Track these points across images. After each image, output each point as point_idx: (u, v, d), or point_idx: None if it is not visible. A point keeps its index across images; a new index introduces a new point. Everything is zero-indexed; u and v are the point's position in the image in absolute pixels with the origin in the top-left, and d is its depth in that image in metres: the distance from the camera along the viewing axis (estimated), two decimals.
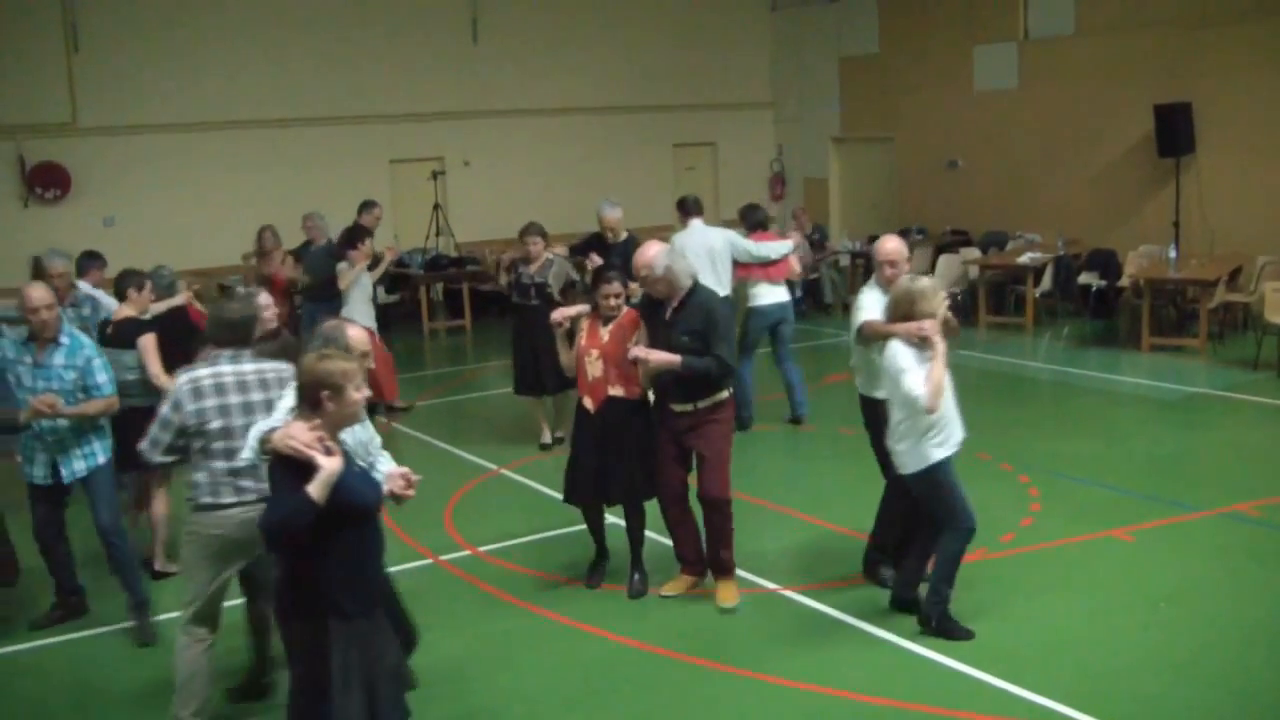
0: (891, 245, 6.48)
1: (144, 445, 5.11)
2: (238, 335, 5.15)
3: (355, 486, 4.11)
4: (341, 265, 10.52)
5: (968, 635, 6.00)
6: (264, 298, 7.04)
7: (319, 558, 4.06)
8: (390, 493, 4.41)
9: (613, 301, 6.50)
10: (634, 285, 6.80)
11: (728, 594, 6.55)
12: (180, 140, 15.64)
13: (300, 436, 4.00)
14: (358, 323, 10.53)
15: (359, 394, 4.15)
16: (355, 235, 10.83)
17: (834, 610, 6.45)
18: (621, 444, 6.52)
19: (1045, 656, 5.83)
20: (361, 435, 4.64)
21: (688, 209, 10.18)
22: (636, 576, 6.78)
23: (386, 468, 4.71)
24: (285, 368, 5.03)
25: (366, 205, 12.06)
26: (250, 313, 5.25)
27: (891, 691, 5.52)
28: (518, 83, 17.94)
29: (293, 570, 4.14)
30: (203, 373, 5.04)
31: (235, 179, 15.82)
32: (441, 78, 17.39)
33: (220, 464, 4.97)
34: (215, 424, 4.98)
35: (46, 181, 14.96)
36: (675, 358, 6.23)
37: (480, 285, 16.70)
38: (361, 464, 4.52)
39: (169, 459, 5.12)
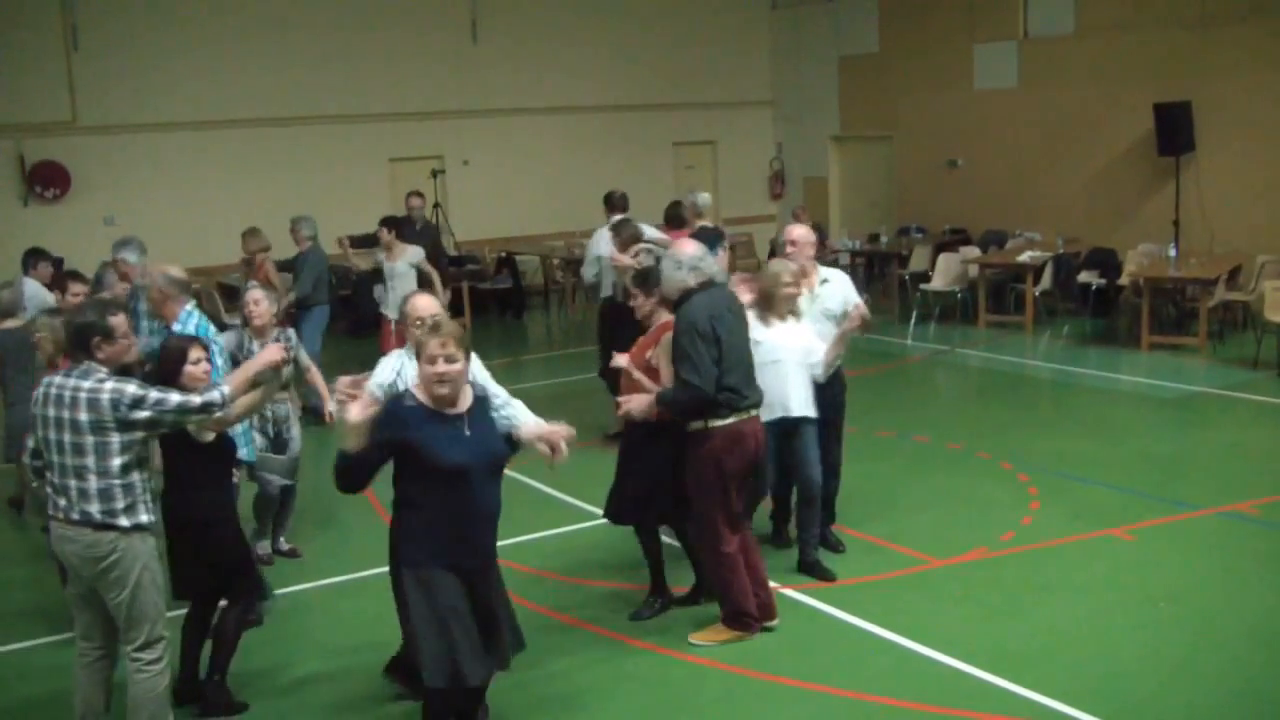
0: (797, 232, 7.08)
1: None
2: (71, 346, 4.86)
3: (433, 445, 4.46)
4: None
5: (829, 578, 6.77)
6: (255, 293, 7.08)
7: (398, 509, 4.63)
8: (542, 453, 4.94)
9: (631, 304, 6.27)
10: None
11: (699, 633, 6.15)
12: (180, 139, 15.64)
13: (340, 387, 4.65)
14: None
15: (428, 366, 4.51)
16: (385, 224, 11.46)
17: (834, 609, 6.46)
18: (627, 464, 6.26)
19: (1045, 655, 5.83)
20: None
21: (612, 204, 10.35)
22: (644, 602, 6.47)
23: (524, 418, 5.03)
24: (104, 390, 4.64)
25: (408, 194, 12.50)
26: (79, 321, 4.81)
27: (891, 690, 5.53)
28: (517, 81, 17.93)
29: (390, 521, 4.71)
30: (44, 382, 4.85)
31: (235, 178, 15.82)
32: (441, 76, 17.39)
33: (49, 474, 4.80)
34: (39, 432, 4.78)
35: (47, 180, 14.96)
36: (648, 396, 5.91)
37: (479, 284, 16.71)
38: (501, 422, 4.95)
39: (36, 463, 4.97)
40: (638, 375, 6.13)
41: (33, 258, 10.03)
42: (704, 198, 10.18)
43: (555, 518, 8.07)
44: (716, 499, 5.94)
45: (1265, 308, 11.90)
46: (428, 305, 5.16)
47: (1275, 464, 9.06)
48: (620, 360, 6.13)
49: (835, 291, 6.99)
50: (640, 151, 18.95)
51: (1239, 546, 7.26)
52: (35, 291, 9.22)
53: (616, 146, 18.71)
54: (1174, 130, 14.42)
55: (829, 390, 6.91)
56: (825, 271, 7.13)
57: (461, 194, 17.58)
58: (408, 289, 10.92)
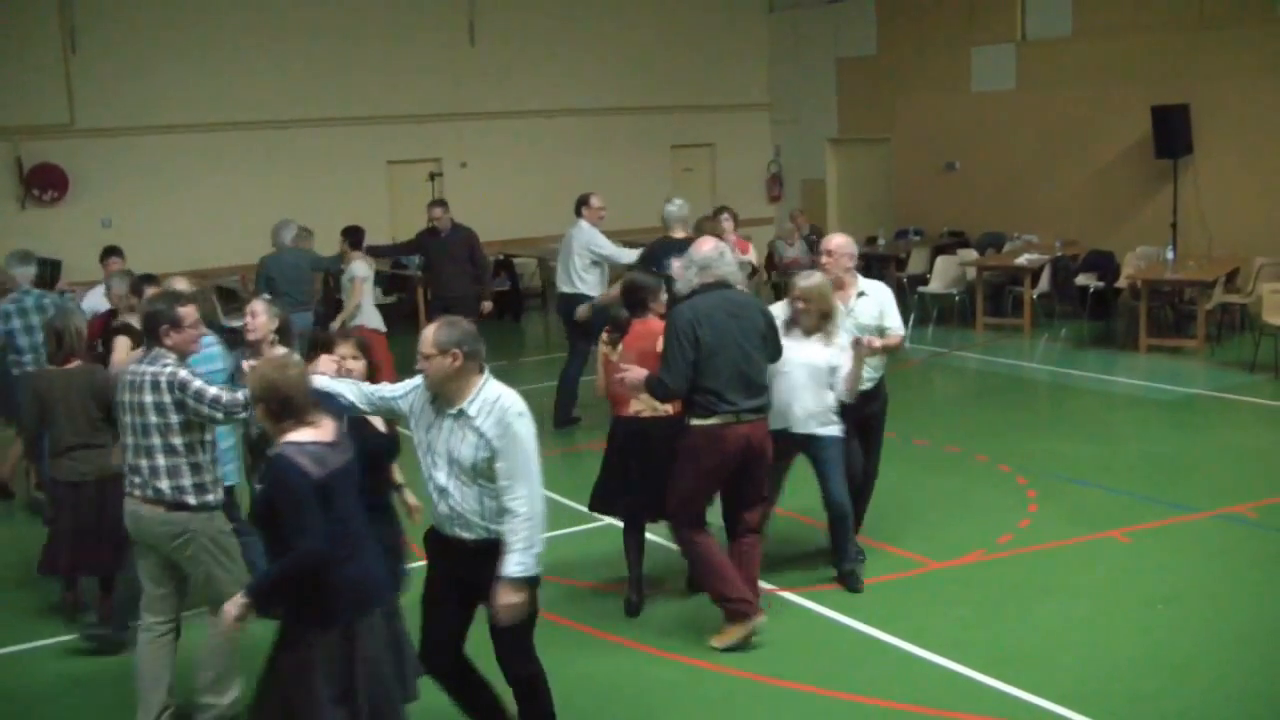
0: (835, 241, 6.96)
1: None
2: (144, 334, 5.29)
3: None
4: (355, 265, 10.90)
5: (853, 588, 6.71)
6: (255, 304, 7.02)
7: None
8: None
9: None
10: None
11: (716, 636, 6.11)
12: (178, 142, 15.62)
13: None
14: (365, 325, 10.66)
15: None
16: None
17: (832, 611, 6.46)
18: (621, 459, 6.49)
19: (1043, 657, 5.84)
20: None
21: (576, 208, 10.83)
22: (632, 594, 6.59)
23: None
24: (164, 373, 5.07)
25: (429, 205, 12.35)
26: (150, 310, 5.30)
27: (889, 693, 5.53)
28: (515, 84, 17.93)
29: None
30: (128, 370, 5.25)
31: (233, 180, 15.80)
32: (439, 79, 17.38)
33: (125, 456, 5.18)
34: (122, 418, 5.18)
35: (44, 183, 14.93)
36: (644, 371, 6.04)
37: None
38: None
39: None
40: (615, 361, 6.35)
41: (110, 256, 9.80)
42: (669, 209, 9.76)
43: (554, 520, 8.04)
44: (684, 490, 6.06)
45: (1263, 310, 11.91)
46: (424, 335, 4.74)
47: (1272, 466, 9.06)
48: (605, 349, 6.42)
49: (870, 306, 6.85)
50: (638, 154, 18.95)
51: (1236, 549, 7.26)
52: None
53: (614, 149, 18.70)
54: (1172, 133, 14.41)
55: (865, 404, 6.84)
56: (865, 284, 6.98)
57: (459, 196, 17.48)
58: (349, 301, 10.85)
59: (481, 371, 4.55)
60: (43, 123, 14.87)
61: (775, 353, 6.20)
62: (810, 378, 6.42)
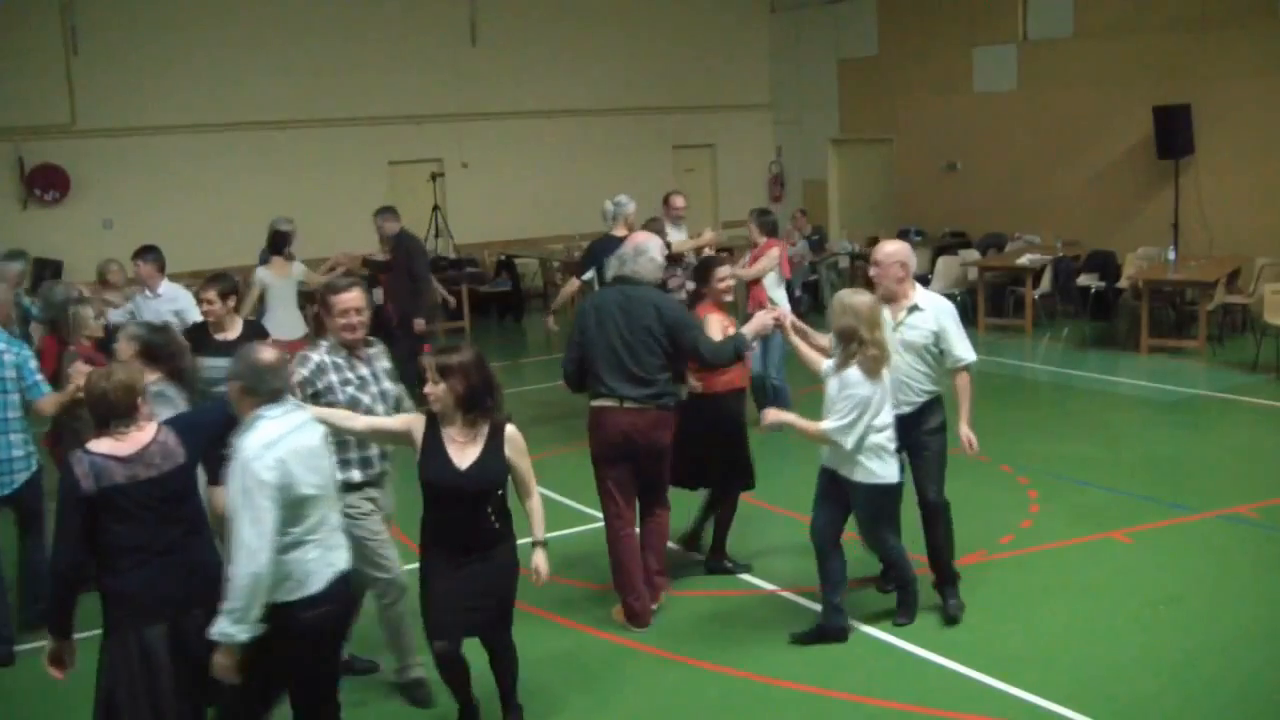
0: (885, 250, 6.17)
1: None
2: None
3: None
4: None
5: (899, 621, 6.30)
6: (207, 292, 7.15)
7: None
8: None
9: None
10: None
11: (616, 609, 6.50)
12: (179, 142, 15.63)
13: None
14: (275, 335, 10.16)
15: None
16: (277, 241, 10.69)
17: None
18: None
19: (1043, 658, 5.83)
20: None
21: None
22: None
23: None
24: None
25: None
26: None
27: (890, 693, 5.53)
28: (516, 85, 17.94)
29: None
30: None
31: (234, 181, 15.81)
32: (440, 80, 17.39)
33: None
34: None
35: (46, 183, 14.95)
36: None
37: (479, 287, 16.70)
38: None
39: None
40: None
41: (134, 258, 9.73)
42: (605, 207, 9.88)
43: (554, 520, 8.04)
44: (597, 472, 6.39)
45: (1265, 310, 11.91)
46: None
47: (1274, 467, 9.05)
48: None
49: (925, 323, 6.08)
50: (639, 155, 18.95)
51: (1237, 549, 7.25)
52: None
53: (615, 149, 18.72)
54: (1173, 133, 14.41)
55: (912, 426, 6.15)
56: (922, 297, 6.19)
57: (460, 197, 17.59)
58: (287, 307, 10.17)
59: (257, 408, 4.23)
60: (44, 123, 14.89)
61: (689, 349, 6.17)
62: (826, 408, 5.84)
